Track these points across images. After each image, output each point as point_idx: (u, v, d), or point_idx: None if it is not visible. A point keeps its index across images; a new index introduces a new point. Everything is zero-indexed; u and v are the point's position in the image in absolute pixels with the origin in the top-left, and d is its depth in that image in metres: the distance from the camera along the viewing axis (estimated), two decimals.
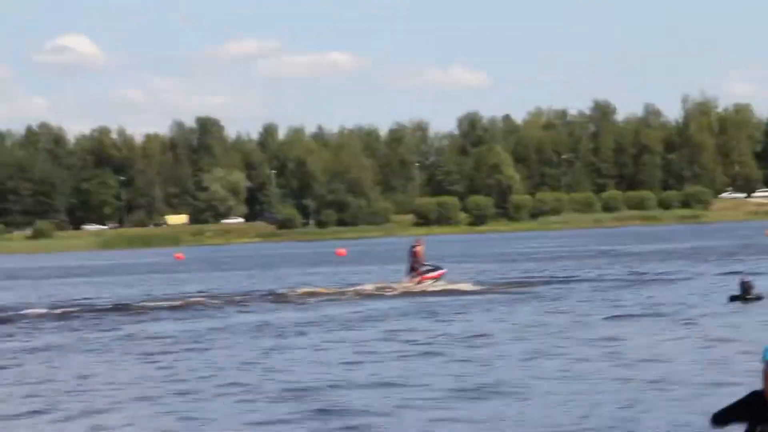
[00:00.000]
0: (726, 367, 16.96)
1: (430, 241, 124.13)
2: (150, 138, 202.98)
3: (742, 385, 10.13)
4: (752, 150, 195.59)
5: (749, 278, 29.18)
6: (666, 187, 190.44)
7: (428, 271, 41.27)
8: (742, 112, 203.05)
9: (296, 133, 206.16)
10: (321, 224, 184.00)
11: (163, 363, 20.88)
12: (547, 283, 40.26)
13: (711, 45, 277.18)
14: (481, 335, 23.29)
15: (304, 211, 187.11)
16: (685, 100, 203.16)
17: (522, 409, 14.42)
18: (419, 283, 40.23)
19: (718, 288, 33.05)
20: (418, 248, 41.26)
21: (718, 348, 19.46)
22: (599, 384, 15.99)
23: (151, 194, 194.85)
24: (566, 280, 41.02)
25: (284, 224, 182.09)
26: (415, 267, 41.01)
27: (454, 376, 17.48)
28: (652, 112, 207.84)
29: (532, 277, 44.43)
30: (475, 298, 34.49)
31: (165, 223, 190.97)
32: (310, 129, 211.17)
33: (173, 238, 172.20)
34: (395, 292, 38.33)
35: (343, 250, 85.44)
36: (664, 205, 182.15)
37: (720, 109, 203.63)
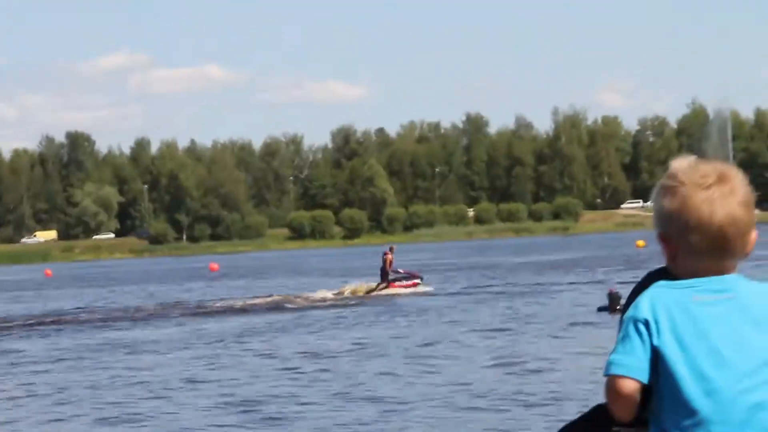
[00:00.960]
0: (578, 379, 17.02)
1: (304, 255, 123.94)
2: (18, 153, 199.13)
3: (587, 401, 10.07)
4: (620, 162, 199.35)
5: (616, 289, 29.52)
6: (537, 199, 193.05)
7: (399, 279, 42.31)
8: (610, 124, 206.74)
9: (169, 148, 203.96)
10: (194, 239, 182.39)
11: (22, 380, 20.31)
12: (415, 295, 40.39)
13: (580, 57, 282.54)
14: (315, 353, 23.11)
15: (177, 226, 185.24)
16: (555, 113, 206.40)
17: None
18: (384, 288, 41.43)
19: (587, 299, 33.39)
20: (388, 256, 42.47)
21: (577, 360, 19.54)
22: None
23: (19, 210, 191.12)
24: (432, 295, 41.04)
25: (156, 239, 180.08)
26: (384, 274, 42.07)
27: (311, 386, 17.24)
28: (523, 125, 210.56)
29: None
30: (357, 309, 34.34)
31: (34, 240, 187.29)
32: (183, 143, 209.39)
33: (42, 255, 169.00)
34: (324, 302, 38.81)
35: (215, 265, 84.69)
36: (536, 216, 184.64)
37: (589, 122, 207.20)
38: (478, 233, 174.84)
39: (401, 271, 43.69)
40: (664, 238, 3.10)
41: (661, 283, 3.08)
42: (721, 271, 3.06)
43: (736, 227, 3.03)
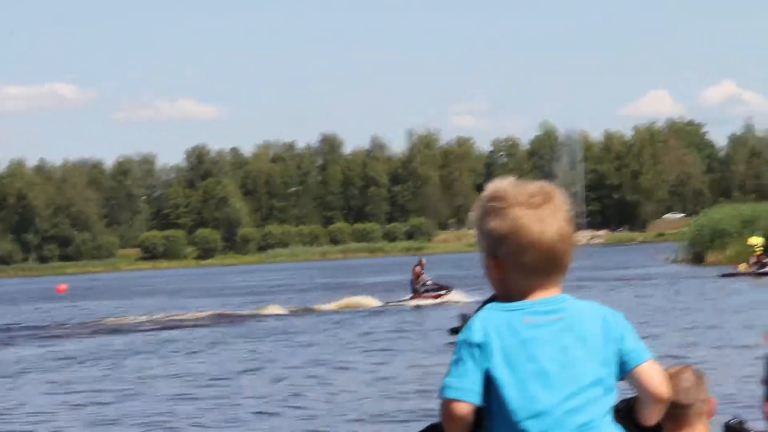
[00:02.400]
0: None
1: (155, 276, 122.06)
2: None
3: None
4: (474, 182, 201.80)
5: (467, 310, 29.50)
6: (392, 219, 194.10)
7: (428, 290, 43.32)
8: (464, 145, 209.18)
9: (17, 167, 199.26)
10: (43, 259, 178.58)
11: None
12: (257, 317, 40.00)
13: (434, 79, 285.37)
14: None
15: (25, 247, 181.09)
16: (409, 133, 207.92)
17: None
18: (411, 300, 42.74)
19: (441, 320, 33.27)
20: (416, 268, 43.89)
21: (420, 380, 19.34)
22: None
23: None
24: (284, 316, 40.66)
25: (3, 260, 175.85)
26: (415, 286, 43.35)
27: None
28: (378, 145, 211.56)
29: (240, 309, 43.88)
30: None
31: None
32: (31, 162, 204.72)
33: None
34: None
35: (63, 286, 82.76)
36: (390, 237, 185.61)
37: (443, 142, 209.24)
38: (333, 253, 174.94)
39: (430, 282, 44.65)
40: (494, 260, 3.14)
41: (493, 305, 3.13)
42: (550, 290, 3.13)
43: (565, 243, 3.13)
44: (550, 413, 3.03)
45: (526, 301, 3.11)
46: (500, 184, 3.21)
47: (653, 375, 3.15)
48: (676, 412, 4.19)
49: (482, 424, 3.09)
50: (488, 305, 3.13)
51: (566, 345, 3.07)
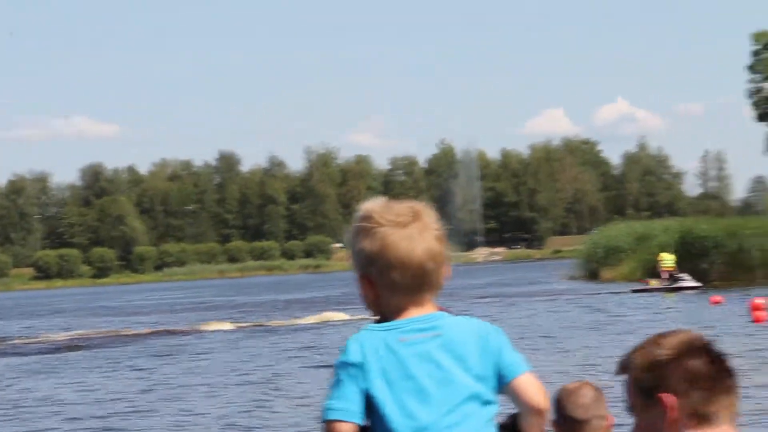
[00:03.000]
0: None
1: (49, 295, 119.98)
2: None
3: None
4: (373, 200, 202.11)
5: None
6: (290, 237, 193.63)
7: None
8: (362, 163, 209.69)
9: None
10: None
11: None
12: (159, 334, 39.59)
13: (333, 97, 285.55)
14: None
15: None
16: (308, 151, 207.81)
17: None
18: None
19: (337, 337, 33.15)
20: None
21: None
22: None
23: None
24: (177, 333, 40.24)
25: None
26: None
27: None
28: (276, 164, 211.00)
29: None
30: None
31: None
32: None
33: None
34: None
35: None
36: (288, 255, 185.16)
37: (341, 161, 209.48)
38: (230, 271, 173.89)
39: None
40: (367, 279, 3.18)
41: (370, 325, 3.18)
42: (423, 308, 3.18)
43: (435, 261, 3.17)
44: (430, 429, 3.07)
45: (401, 320, 3.15)
46: (369, 205, 3.25)
47: (530, 387, 3.19)
48: (574, 427, 4.20)
49: None
50: (365, 326, 3.17)
51: (442, 362, 3.11)
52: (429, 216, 3.24)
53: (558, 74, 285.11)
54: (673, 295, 45.73)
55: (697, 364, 2.60)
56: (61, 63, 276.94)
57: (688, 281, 49.12)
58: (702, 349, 2.63)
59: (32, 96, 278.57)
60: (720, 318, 31.28)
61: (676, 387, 2.60)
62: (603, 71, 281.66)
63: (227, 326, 41.50)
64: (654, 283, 49.62)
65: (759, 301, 30.69)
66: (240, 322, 43.73)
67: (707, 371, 2.60)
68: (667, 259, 50.83)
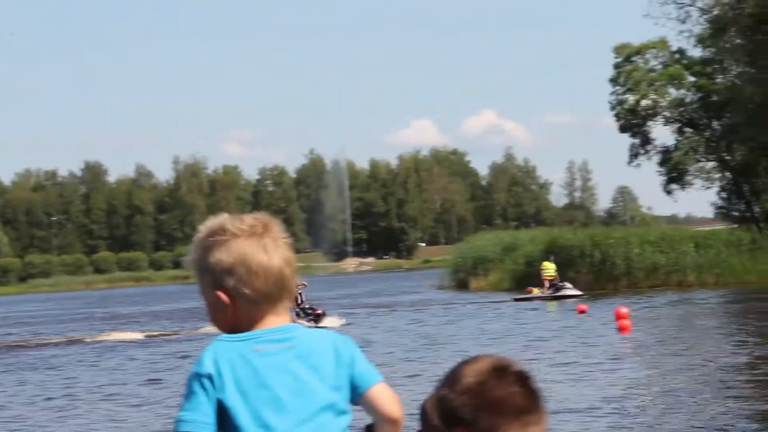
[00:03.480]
0: None
1: None
2: None
3: None
4: (241, 211, 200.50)
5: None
6: (158, 248, 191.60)
7: (308, 314, 39.50)
8: (231, 173, 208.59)
9: None
10: None
11: None
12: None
13: (202, 106, 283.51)
14: None
15: None
16: (176, 162, 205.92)
17: None
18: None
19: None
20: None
21: None
22: None
23: None
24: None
25: None
26: (296, 310, 39.24)
27: None
28: (143, 174, 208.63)
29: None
30: None
31: None
32: None
33: None
34: None
35: None
36: (156, 265, 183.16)
37: (210, 171, 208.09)
38: (97, 283, 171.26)
39: (308, 306, 40.68)
40: (222, 292, 3.18)
41: (223, 336, 3.17)
42: (279, 318, 3.21)
43: (290, 268, 3.22)
44: None
45: (255, 330, 3.15)
46: (217, 220, 3.28)
47: (385, 397, 3.22)
48: None
49: None
50: (218, 337, 3.15)
51: (298, 372, 3.12)
52: (277, 227, 3.28)
53: (426, 85, 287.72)
54: (554, 304, 46.32)
55: (494, 392, 2.55)
56: None
57: (569, 290, 49.87)
58: (503, 374, 2.57)
59: None
60: (587, 327, 31.78)
61: (468, 417, 2.57)
62: (471, 82, 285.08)
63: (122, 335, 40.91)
64: (537, 291, 50.24)
65: (624, 310, 31.26)
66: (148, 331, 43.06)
67: (502, 398, 2.55)
68: (549, 268, 51.54)
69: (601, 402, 16.48)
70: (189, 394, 3.07)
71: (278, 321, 3.19)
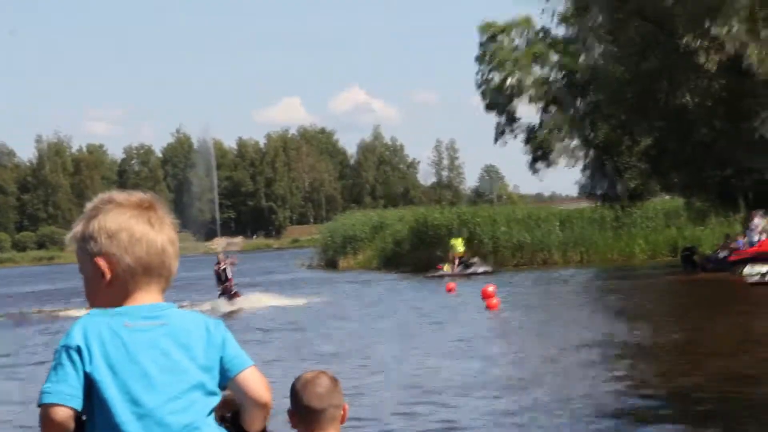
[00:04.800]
0: None
1: None
2: None
3: None
4: (107, 190, 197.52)
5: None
6: (21, 228, 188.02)
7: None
8: (96, 152, 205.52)
9: None
10: None
11: None
12: None
13: (66, 83, 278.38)
14: None
15: None
16: (39, 140, 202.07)
17: None
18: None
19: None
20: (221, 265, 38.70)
21: None
22: None
23: None
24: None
25: None
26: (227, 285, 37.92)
27: None
28: (5, 153, 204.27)
29: None
30: None
31: None
32: None
33: None
34: None
35: None
36: (20, 246, 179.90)
37: (74, 150, 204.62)
38: None
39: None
40: (103, 258, 3.17)
41: (94, 311, 3.16)
42: (154, 296, 3.20)
43: (174, 248, 3.24)
44: (153, 415, 3.06)
45: (128, 306, 3.14)
46: (106, 194, 3.32)
47: (254, 381, 3.24)
48: (310, 416, 4.25)
49: None
50: (89, 312, 3.14)
51: (168, 349, 3.11)
52: (162, 206, 3.30)
53: (294, 62, 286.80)
54: (464, 280, 46.36)
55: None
56: None
57: (479, 266, 49.99)
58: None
59: None
60: (455, 305, 32.07)
61: None
62: (339, 60, 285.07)
63: None
64: (447, 268, 50.13)
65: (490, 288, 31.67)
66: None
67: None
68: (458, 246, 51.57)
69: (472, 382, 16.68)
70: (56, 366, 3.04)
71: (151, 299, 3.18)
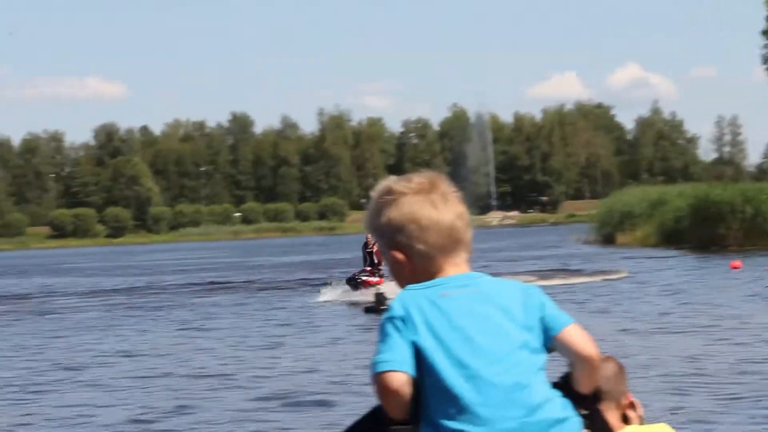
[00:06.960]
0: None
1: (65, 254, 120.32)
2: None
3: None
4: (385, 163, 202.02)
5: (383, 289, 29.43)
6: (303, 199, 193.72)
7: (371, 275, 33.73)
8: (375, 125, 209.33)
9: None
10: None
11: None
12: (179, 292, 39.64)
13: (346, 59, 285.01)
14: None
15: None
16: (320, 114, 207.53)
17: None
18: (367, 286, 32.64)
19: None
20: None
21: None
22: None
23: None
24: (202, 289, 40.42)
25: None
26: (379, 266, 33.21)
27: None
28: (289, 125, 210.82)
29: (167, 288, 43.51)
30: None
31: None
32: None
33: None
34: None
35: None
36: (302, 217, 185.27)
37: (354, 123, 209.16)
38: (245, 233, 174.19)
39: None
40: (398, 249, 3.25)
41: (410, 286, 3.21)
42: (459, 267, 3.25)
43: (463, 221, 3.28)
44: (482, 376, 3.10)
45: (440, 278, 3.21)
46: (385, 182, 3.34)
47: (578, 337, 3.23)
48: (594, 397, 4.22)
49: (417, 403, 3.13)
50: (406, 287, 3.22)
51: (487, 313, 3.15)
52: (445, 183, 3.33)
53: (571, 37, 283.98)
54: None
55: None
56: (74, 23, 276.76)
57: None
58: None
59: (45, 56, 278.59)
60: (739, 283, 31.19)
61: None
62: (615, 35, 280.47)
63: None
64: None
65: None
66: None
67: None
68: None
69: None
70: (383, 337, 3.12)
71: (459, 270, 3.24)
